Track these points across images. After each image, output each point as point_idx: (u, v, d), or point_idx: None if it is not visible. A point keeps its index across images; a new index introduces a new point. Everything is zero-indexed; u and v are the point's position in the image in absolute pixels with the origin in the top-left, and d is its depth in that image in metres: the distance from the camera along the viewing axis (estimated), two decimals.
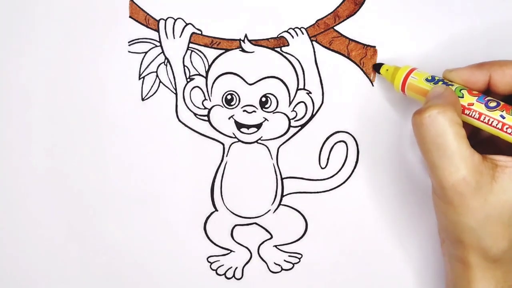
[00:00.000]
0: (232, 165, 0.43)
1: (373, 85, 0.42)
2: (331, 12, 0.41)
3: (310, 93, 0.42)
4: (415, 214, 0.43)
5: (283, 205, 0.44)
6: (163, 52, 0.42)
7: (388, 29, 0.41)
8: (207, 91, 0.42)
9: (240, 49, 0.41)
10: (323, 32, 0.41)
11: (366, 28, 0.41)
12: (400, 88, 0.38)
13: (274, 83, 0.42)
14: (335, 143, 0.42)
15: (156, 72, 0.42)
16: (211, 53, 0.42)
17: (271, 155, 0.43)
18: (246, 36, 0.41)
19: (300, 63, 0.41)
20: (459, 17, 0.40)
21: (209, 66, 0.42)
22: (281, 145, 0.43)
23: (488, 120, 0.34)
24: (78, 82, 0.42)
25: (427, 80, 0.37)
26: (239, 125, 0.42)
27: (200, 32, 0.41)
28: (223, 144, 0.43)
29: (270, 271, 0.45)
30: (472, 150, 0.33)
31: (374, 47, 0.41)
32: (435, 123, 0.33)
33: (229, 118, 0.42)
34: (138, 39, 0.42)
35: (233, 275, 0.45)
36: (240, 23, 0.41)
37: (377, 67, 0.40)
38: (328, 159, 0.43)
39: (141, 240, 0.45)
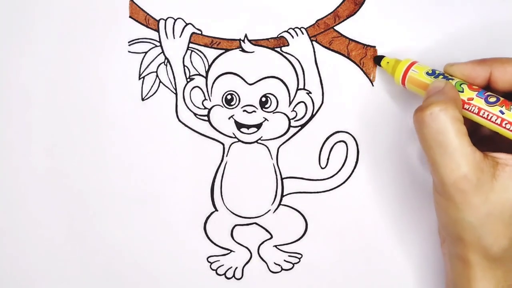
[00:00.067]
0: (232, 165, 0.43)
1: (373, 85, 0.42)
2: (331, 12, 0.41)
3: (310, 93, 0.42)
4: (415, 214, 0.43)
5: (283, 205, 0.44)
6: (163, 52, 0.42)
7: (388, 29, 0.41)
8: (207, 91, 0.42)
9: (240, 49, 0.41)
10: (323, 32, 0.41)
11: (366, 28, 0.41)
12: (400, 81, 0.38)
13: (274, 83, 0.42)
14: (335, 143, 0.42)
15: (156, 72, 0.42)
16: (211, 53, 0.42)
17: (271, 155, 0.43)
18: (246, 36, 0.41)
19: (300, 63, 0.41)
20: (459, 17, 0.40)
21: (209, 66, 0.42)
22: (281, 145, 0.43)
23: (487, 115, 0.34)
24: (78, 82, 0.42)
25: (427, 73, 0.37)
26: (239, 125, 0.42)
27: (200, 32, 0.41)
28: (223, 144, 0.43)
29: (270, 271, 0.45)
30: (473, 148, 0.33)
31: (374, 47, 0.41)
32: (437, 121, 0.33)
33: (229, 118, 0.42)
34: (138, 39, 0.42)
35: (233, 275, 0.45)
36: (240, 23, 0.41)
37: (377, 60, 0.40)
38: (328, 159, 0.43)
39: (141, 240, 0.45)
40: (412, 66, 0.38)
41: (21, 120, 0.43)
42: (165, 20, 0.41)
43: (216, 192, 0.43)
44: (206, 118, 0.42)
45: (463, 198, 0.33)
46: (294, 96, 0.42)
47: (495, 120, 0.34)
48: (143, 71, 0.42)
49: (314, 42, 0.41)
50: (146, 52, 0.42)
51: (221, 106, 0.42)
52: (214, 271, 0.45)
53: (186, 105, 0.42)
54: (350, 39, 0.41)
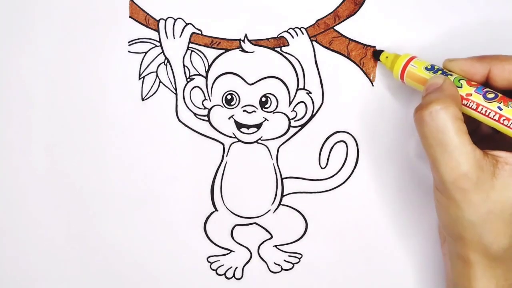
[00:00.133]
0: (232, 165, 0.43)
1: (373, 85, 0.42)
2: (331, 12, 0.41)
3: (310, 93, 0.42)
4: (415, 214, 0.43)
5: (283, 205, 0.44)
6: (163, 52, 0.42)
7: (388, 29, 0.41)
8: (207, 91, 0.42)
9: (240, 49, 0.41)
10: (323, 32, 0.41)
11: (366, 28, 0.41)
12: (399, 76, 0.38)
13: (274, 83, 0.42)
14: (335, 143, 0.42)
15: (156, 72, 0.42)
16: (211, 53, 0.42)
17: (271, 155, 0.43)
18: (246, 36, 0.41)
19: (300, 63, 0.41)
20: (460, 17, 0.40)
21: (209, 66, 0.42)
22: (281, 145, 0.43)
23: (486, 111, 0.35)
24: (78, 82, 0.42)
25: (426, 69, 0.37)
26: (239, 125, 0.42)
27: (200, 32, 0.41)
28: (223, 144, 0.43)
29: (270, 271, 0.45)
30: (474, 146, 0.33)
31: (374, 47, 0.41)
32: (437, 119, 0.33)
33: (229, 118, 0.42)
34: (138, 39, 0.42)
35: (233, 275, 0.45)
36: (240, 23, 0.41)
37: (377, 54, 0.40)
38: (328, 159, 0.43)
39: (141, 240, 0.45)
40: (411, 61, 0.38)
41: (21, 120, 0.43)
42: (165, 20, 0.41)
43: (216, 192, 0.43)
44: (206, 118, 0.42)
45: (463, 196, 0.33)
46: (294, 96, 0.42)
47: (493, 116, 0.34)
48: (143, 71, 0.42)
49: (314, 42, 0.41)
50: (146, 52, 0.42)
51: (221, 106, 0.42)
52: (214, 271, 0.45)
53: (186, 105, 0.42)
54: (350, 39, 0.41)
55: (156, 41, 0.42)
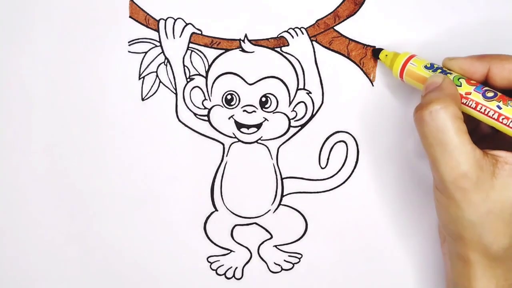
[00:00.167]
0: (232, 165, 0.43)
1: (373, 85, 0.42)
2: (331, 12, 0.41)
3: (310, 93, 0.42)
4: (415, 214, 0.43)
5: (283, 205, 0.44)
6: (163, 52, 0.42)
7: (388, 29, 0.41)
8: (207, 91, 0.42)
9: (240, 49, 0.41)
10: (323, 32, 0.41)
11: (366, 28, 0.41)
12: (398, 74, 0.38)
13: (274, 83, 0.42)
14: (335, 143, 0.42)
15: (156, 72, 0.42)
16: (211, 53, 0.42)
17: (271, 155, 0.43)
18: (246, 36, 0.41)
19: (300, 63, 0.41)
20: (460, 17, 0.40)
21: (209, 66, 0.42)
22: (281, 145, 0.43)
23: (485, 110, 0.35)
24: (78, 82, 0.42)
25: (426, 67, 0.37)
26: (239, 125, 0.42)
27: (200, 32, 0.41)
28: (223, 144, 0.43)
29: (270, 271, 0.45)
30: (473, 146, 0.33)
31: (374, 47, 0.41)
32: (436, 119, 0.33)
33: (229, 118, 0.42)
34: (138, 39, 0.42)
35: (233, 275, 0.45)
36: (240, 23, 0.41)
37: (376, 52, 0.40)
38: (328, 159, 0.43)
39: (141, 240, 0.45)
40: (410, 59, 0.38)
41: (21, 120, 0.43)
42: (165, 20, 0.41)
43: (216, 192, 0.43)
44: (206, 118, 0.42)
45: (463, 196, 0.33)
46: (294, 96, 0.42)
47: (492, 115, 0.34)
48: (143, 71, 0.42)
49: (314, 42, 0.41)
50: (146, 52, 0.42)
51: (221, 106, 0.42)
52: (214, 271, 0.45)
53: (186, 105, 0.42)
54: (350, 39, 0.41)
55: (156, 41, 0.42)
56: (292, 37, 0.41)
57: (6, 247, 0.45)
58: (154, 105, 0.42)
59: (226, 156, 0.43)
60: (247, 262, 0.45)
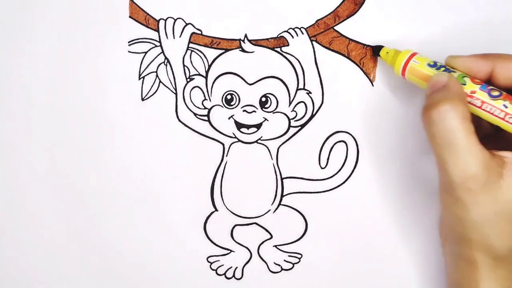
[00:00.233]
0: (232, 165, 0.43)
1: (373, 85, 0.42)
2: (331, 12, 0.41)
3: (310, 93, 0.42)
4: (416, 214, 0.43)
5: (283, 205, 0.44)
6: (163, 52, 0.42)
7: (388, 29, 0.41)
8: (207, 91, 0.42)
9: (240, 49, 0.41)
10: (323, 32, 0.41)
11: (366, 28, 0.41)
12: (400, 72, 0.38)
13: (274, 83, 0.42)
14: (335, 143, 0.42)
15: (156, 72, 0.42)
16: (211, 53, 0.42)
17: (271, 155, 0.43)
18: (246, 36, 0.41)
19: (300, 63, 0.41)
20: (460, 17, 0.40)
21: (209, 66, 0.42)
22: (281, 145, 0.43)
23: (490, 109, 0.34)
24: (78, 82, 0.42)
25: (429, 65, 0.37)
26: (239, 125, 0.42)
27: (200, 32, 0.41)
28: (223, 144, 0.43)
29: (270, 271, 0.45)
30: (481, 147, 0.33)
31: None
32: (446, 119, 0.33)
33: (229, 118, 0.42)
34: (138, 39, 0.42)
35: (233, 275, 0.45)
36: (240, 23, 0.41)
37: (376, 50, 0.40)
38: (328, 159, 0.43)
39: (141, 240, 0.45)
40: (412, 57, 0.38)
41: (21, 120, 0.43)
42: (165, 20, 0.41)
43: (216, 192, 0.43)
44: (206, 118, 0.42)
45: (470, 197, 0.33)
46: (294, 96, 0.42)
47: (498, 114, 0.34)
48: (143, 71, 0.42)
49: (314, 42, 0.41)
50: (146, 52, 0.42)
51: (221, 106, 0.42)
52: (214, 271, 0.45)
53: (186, 105, 0.42)
54: (350, 39, 0.41)
55: (156, 41, 0.42)
56: (292, 37, 0.41)
57: (6, 247, 0.45)
58: (154, 105, 0.42)
59: (226, 156, 0.43)
60: (247, 262, 0.45)
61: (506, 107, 0.34)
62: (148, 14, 0.41)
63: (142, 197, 0.44)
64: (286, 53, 0.41)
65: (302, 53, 0.41)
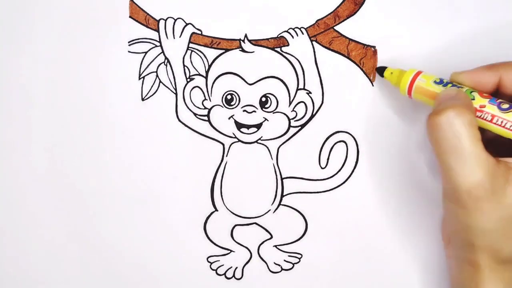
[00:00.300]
0: (232, 165, 0.43)
1: (373, 85, 0.42)
2: (331, 12, 0.41)
3: (310, 93, 0.42)
4: (416, 214, 0.43)
5: (283, 205, 0.44)
6: (163, 52, 0.42)
7: (388, 29, 0.41)
8: (207, 91, 0.42)
9: (240, 49, 0.41)
10: (323, 32, 0.41)
11: (366, 28, 0.41)
12: (406, 91, 0.38)
13: (274, 83, 0.42)
14: (335, 143, 0.42)
15: (156, 72, 0.42)
16: (211, 53, 0.42)
17: (271, 155, 0.43)
18: (246, 36, 0.41)
19: (300, 63, 0.41)
20: (461, 17, 0.40)
21: (209, 66, 0.42)
22: (281, 145, 0.43)
23: (502, 122, 0.34)
24: (78, 82, 0.42)
25: (435, 82, 0.37)
26: (239, 125, 0.42)
27: (200, 32, 0.41)
28: (223, 144, 0.43)
29: (270, 271, 0.45)
30: (487, 153, 0.33)
31: (374, 47, 0.41)
32: (453, 125, 0.32)
33: (229, 118, 0.42)
34: (138, 39, 0.42)
35: (233, 275, 0.45)
36: (240, 23, 0.41)
37: (380, 71, 0.40)
38: (328, 159, 0.43)
39: (141, 240, 0.45)
40: (418, 75, 0.37)
41: (21, 120, 0.43)
42: (165, 20, 0.41)
43: (216, 192, 0.43)
44: (206, 118, 0.42)
45: (476, 204, 0.33)
46: (294, 96, 0.42)
47: (510, 126, 0.34)
48: (143, 71, 0.42)
49: (314, 42, 0.41)
50: (146, 52, 0.42)
51: (221, 106, 0.42)
52: (214, 271, 0.45)
53: (186, 105, 0.42)
54: (350, 39, 0.41)
55: (156, 41, 0.42)
56: (292, 37, 0.41)
57: (6, 247, 0.45)
58: (154, 105, 0.42)
59: (226, 156, 0.43)
60: (247, 262, 0.45)
61: None
62: (148, 14, 0.41)
63: (142, 197, 0.44)
64: (286, 53, 0.41)
65: (302, 53, 0.41)
